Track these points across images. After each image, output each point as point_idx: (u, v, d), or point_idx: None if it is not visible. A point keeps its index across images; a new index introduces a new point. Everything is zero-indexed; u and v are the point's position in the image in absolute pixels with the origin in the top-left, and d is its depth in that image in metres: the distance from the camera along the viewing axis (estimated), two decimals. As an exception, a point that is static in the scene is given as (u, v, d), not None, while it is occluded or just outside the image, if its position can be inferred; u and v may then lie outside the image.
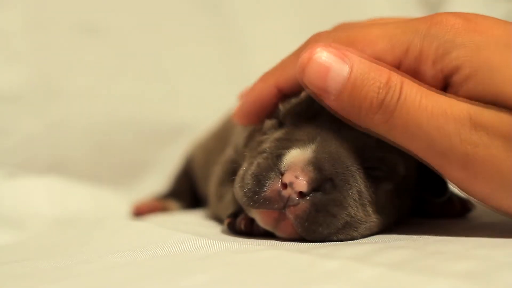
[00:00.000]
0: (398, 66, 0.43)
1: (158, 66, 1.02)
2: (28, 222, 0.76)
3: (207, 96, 1.03)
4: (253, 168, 0.44)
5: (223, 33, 1.07)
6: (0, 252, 0.56)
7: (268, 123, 0.50)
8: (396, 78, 0.41)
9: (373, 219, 0.45)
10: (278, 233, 0.45)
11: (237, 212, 0.49)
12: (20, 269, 0.43)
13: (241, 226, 0.47)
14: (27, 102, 0.88)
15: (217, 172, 0.62)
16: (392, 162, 0.46)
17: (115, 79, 0.97)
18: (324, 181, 0.42)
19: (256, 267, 0.37)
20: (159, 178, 0.99)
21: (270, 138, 0.47)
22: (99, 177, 0.92)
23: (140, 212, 0.79)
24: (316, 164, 0.42)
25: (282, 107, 0.48)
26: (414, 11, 1.26)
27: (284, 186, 0.42)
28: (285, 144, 0.44)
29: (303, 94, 0.47)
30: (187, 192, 0.88)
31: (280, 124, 0.48)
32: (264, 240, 0.45)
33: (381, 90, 0.41)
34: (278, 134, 0.47)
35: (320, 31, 0.49)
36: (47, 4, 0.92)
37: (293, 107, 0.47)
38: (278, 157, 0.43)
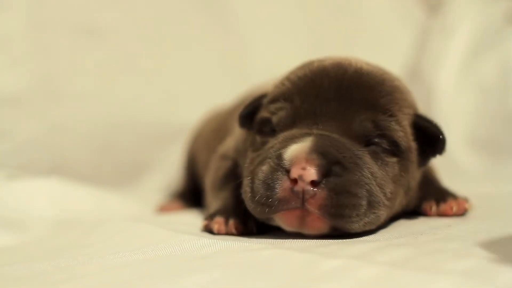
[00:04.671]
0: None
1: (158, 68, 1.02)
2: (30, 224, 0.75)
3: (208, 97, 1.03)
4: (259, 175, 0.43)
5: (223, 36, 1.07)
6: (1, 254, 0.56)
7: (260, 139, 0.49)
8: None
9: (390, 199, 0.46)
10: (306, 232, 0.43)
11: (213, 214, 0.50)
12: (22, 271, 0.43)
13: (233, 230, 0.47)
14: (28, 104, 0.88)
15: (213, 172, 0.62)
16: (393, 136, 0.46)
17: (116, 82, 0.97)
18: (332, 165, 0.42)
19: (257, 267, 0.37)
20: (160, 179, 0.99)
21: (266, 147, 0.47)
22: (100, 178, 0.92)
23: (165, 211, 0.80)
24: (319, 151, 0.42)
25: (273, 118, 0.48)
26: (414, 11, 1.26)
27: (294, 181, 0.41)
28: (283, 145, 0.44)
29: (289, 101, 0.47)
30: (193, 191, 0.89)
31: (273, 133, 0.48)
32: (265, 239, 0.45)
33: None
34: (273, 141, 0.46)
35: None
36: (48, 7, 0.92)
37: (283, 114, 0.47)
38: (279, 157, 0.43)
